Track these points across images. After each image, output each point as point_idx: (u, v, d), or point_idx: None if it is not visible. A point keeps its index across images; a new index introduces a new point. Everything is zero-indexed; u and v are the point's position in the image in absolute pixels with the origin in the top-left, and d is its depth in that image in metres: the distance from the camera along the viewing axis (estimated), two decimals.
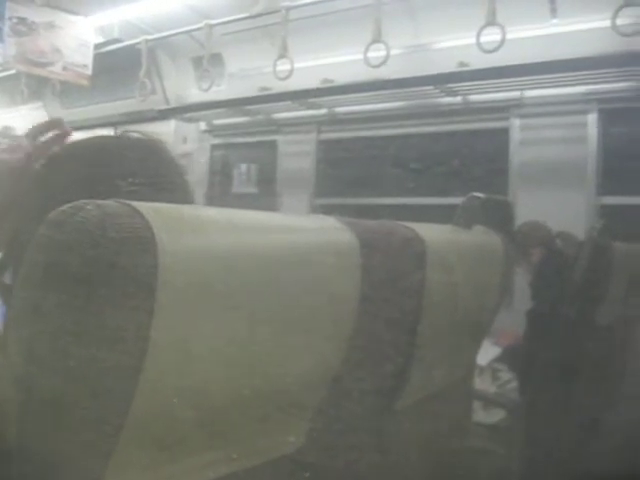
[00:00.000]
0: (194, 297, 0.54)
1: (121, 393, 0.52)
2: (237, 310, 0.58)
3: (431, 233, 0.96)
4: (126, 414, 0.53)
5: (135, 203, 0.54)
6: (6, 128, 7.63)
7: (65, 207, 0.52)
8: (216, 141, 6.08)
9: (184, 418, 0.58)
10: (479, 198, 1.22)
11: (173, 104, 5.82)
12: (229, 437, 0.65)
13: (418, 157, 4.84)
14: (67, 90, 5.93)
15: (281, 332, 0.64)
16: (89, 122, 5.95)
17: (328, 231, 0.74)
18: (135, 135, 0.91)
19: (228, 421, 0.63)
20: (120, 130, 0.95)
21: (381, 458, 0.90)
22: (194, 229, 0.56)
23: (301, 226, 0.71)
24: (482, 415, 2.84)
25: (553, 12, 3.81)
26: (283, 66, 4.38)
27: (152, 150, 0.89)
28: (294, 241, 0.67)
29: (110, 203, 0.53)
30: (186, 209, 0.59)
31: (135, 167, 0.83)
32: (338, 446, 0.79)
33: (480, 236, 1.19)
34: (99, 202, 0.52)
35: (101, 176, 0.81)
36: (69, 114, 6.68)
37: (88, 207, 0.51)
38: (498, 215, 1.25)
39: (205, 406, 0.59)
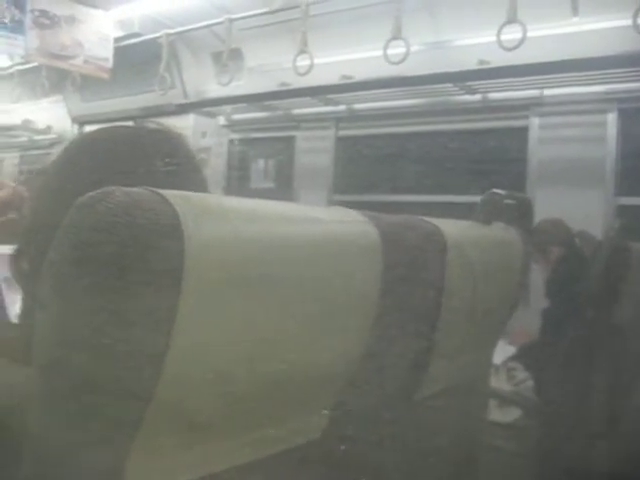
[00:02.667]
0: (219, 282, 0.55)
1: (147, 373, 0.53)
2: (260, 294, 0.59)
3: (451, 228, 0.97)
4: (151, 397, 0.54)
5: (161, 190, 0.55)
6: (26, 121, 7.69)
7: (93, 193, 0.53)
8: (235, 136, 6.10)
9: (209, 401, 0.59)
10: (499, 194, 1.21)
11: (192, 98, 5.83)
12: (254, 422, 0.66)
13: (437, 155, 4.83)
14: (87, 83, 5.96)
15: (302, 320, 0.65)
16: (108, 115, 5.99)
17: (350, 223, 0.75)
18: (153, 126, 0.92)
19: (252, 406, 0.64)
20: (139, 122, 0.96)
21: (396, 450, 0.90)
22: (219, 217, 0.57)
23: (324, 218, 0.72)
24: (498, 414, 2.84)
25: (574, 10, 3.79)
26: (303, 62, 4.39)
27: (171, 139, 0.90)
28: (317, 232, 0.68)
29: (137, 190, 0.54)
30: (211, 198, 0.60)
31: (158, 153, 0.84)
32: (356, 435, 0.80)
33: (499, 232, 1.19)
34: (126, 189, 0.53)
35: (124, 161, 0.82)
36: (89, 107, 6.72)
37: (116, 193, 0.53)
38: (517, 212, 1.25)
39: (231, 389, 0.60)
